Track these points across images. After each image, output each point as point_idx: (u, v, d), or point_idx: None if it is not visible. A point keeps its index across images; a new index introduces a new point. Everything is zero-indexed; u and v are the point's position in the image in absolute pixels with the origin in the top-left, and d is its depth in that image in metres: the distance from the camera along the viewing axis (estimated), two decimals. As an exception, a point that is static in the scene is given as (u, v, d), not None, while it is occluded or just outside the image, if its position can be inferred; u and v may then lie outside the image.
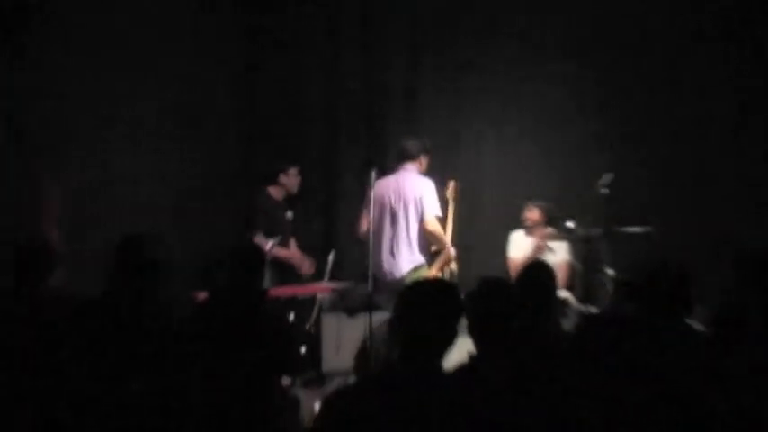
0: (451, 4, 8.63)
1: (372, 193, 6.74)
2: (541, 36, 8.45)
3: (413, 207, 7.08)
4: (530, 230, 7.72)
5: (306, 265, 7.92)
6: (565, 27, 8.42)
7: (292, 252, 7.93)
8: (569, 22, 8.40)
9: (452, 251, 7.17)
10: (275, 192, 7.92)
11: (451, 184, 7.69)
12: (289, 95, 8.81)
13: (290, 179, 7.95)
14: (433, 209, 7.08)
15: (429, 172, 7.32)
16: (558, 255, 7.50)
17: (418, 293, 3.01)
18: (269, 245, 7.43)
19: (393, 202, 7.13)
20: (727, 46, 8.04)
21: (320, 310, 7.82)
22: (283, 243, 7.80)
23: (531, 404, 2.86)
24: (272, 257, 7.38)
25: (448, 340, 2.94)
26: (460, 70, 8.70)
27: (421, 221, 7.05)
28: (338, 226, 8.69)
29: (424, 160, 7.26)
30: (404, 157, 7.24)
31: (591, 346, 2.91)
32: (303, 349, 7.43)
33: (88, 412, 3.02)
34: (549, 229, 7.55)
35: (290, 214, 7.95)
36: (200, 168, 8.25)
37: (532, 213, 7.72)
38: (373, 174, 7.05)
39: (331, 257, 8.14)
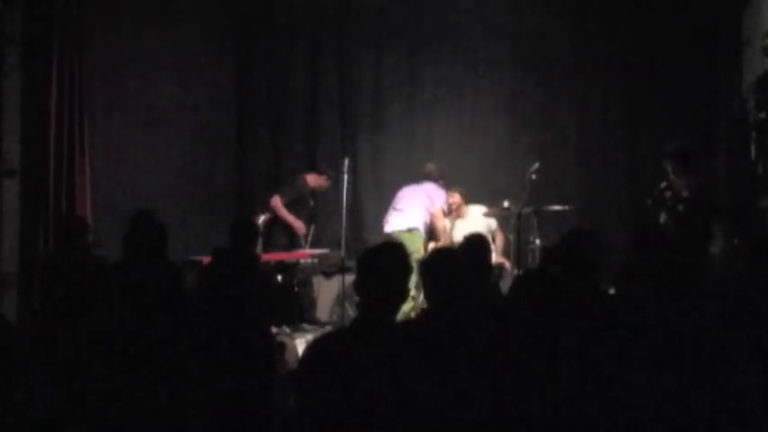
0: (412, 15, 8.58)
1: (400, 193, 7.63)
2: (487, 49, 8.45)
3: (427, 199, 7.60)
4: (454, 212, 7.77)
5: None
6: (509, 43, 8.43)
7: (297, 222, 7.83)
8: (513, 38, 8.42)
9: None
10: (311, 180, 7.91)
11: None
12: (276, 93, 8.71)
13: (321, 180, 7.93)
14: (440, 203, 7.63)
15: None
16: (493, 225, 7.62)
17: (373, 258, 2.93)
18: (260, 219, 7.43)
19: (410, 193, 7.66)
20: (649, 57, 8.09)
21: (302, 272, 7.83)
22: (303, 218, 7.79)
23: (473, 348, 2.89)
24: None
25: (401, 296, 2.91)
26: (418, 73, 8.66)
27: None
28: (317, 203, 8.66)
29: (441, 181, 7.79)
30: (425, 176, 7.81)
31: (522, 298, 2.93)
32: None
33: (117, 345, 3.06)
34: (487, 209, 7.63)
35: (312, 202, 7.98)
36: (201, 154, 8.23)
37: (454, 198, 7.76)
38: (346, 161, 7.09)
39: (311, 229, 8.16)
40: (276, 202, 7.60)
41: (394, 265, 2.89)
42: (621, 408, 2.86)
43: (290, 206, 7.63)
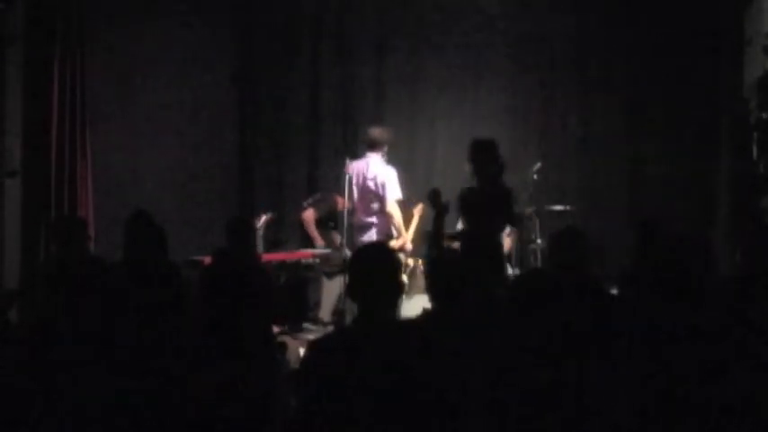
0: (412, 14, 8.55)
1: (347, 177, 6.65)
2: (489, 49, 8.42)
3: (377, 191, 6.71)
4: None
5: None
6: (511, 43, 8.39)
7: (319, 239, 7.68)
8: (514, 38, 8.37)
9: (408, 244, 6.87)
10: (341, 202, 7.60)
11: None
12: (277, 93, 8.67)
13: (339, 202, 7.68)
14: (393, 194, 6.67)
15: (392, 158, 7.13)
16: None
17: (361, 258, 2.94)
18: (262, 219, 7.39)
19: (361, 184, 6.76)
20: (655, 54, 8.01)
21: (304, 272, 7.80)
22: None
23: (475, 346, 2.87)
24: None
25: (395, 293, 2.87)
26: (419, 73, 8.62)
27: (382, 204, 6.70)
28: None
29: (386, 148, 6.84)
30: (370, 144, 6.83)
31: (522, 298, 2.93)
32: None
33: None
34: None
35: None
36: (203, 154, 8.19)
37: None
38: (347, 161, 7.03)
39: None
40: (309, 216, 7.54)
41: (382, 260, 2.89)
42: (618, 408, 2.84)
43: (317, 221, 7.58)
